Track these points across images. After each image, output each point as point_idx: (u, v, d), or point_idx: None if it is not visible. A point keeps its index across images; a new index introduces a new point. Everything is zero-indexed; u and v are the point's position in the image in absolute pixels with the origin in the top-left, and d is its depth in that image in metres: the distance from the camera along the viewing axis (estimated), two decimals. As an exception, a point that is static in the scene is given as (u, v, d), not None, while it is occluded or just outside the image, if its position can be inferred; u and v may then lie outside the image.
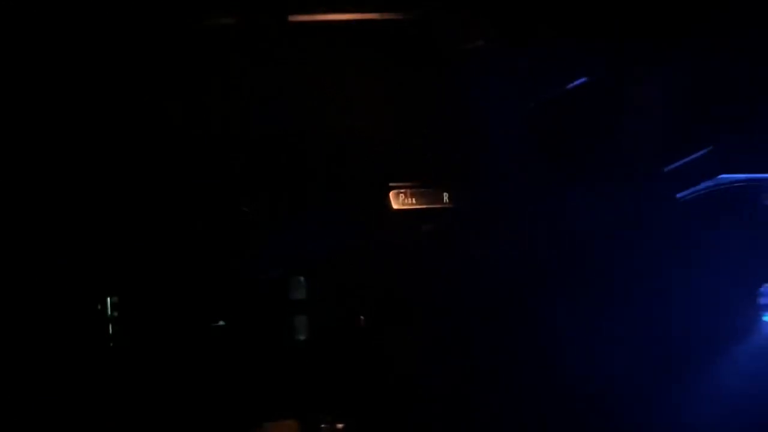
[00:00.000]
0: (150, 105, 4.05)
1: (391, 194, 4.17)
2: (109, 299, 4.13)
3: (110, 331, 4.14)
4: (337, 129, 4.12)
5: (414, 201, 4.16)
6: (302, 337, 4.14)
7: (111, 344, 4.14)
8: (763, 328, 4.10)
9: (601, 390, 3.97)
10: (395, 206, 4.15)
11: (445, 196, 4.16)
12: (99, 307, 4.14)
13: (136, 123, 4.07)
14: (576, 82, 4.09)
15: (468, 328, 3.99)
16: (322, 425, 3.99)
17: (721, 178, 4.07)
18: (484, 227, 4.08)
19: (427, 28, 4.07)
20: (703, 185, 4.06)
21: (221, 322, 4.11)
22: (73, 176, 4.01)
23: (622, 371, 3.97)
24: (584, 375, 3.95)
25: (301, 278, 4.15)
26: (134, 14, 3.93)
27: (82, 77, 3.98)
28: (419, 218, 4.15)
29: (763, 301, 4.13)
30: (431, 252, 4.10)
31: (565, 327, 4.00)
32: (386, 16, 4.06)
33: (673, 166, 4.04)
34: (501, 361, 3.97)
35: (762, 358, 4.05)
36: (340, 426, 4.00)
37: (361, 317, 4.10)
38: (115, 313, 4.15)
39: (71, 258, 3.99)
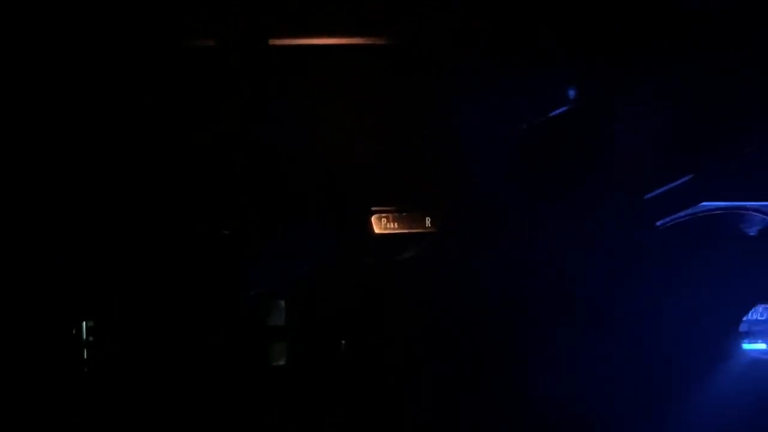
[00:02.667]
0: (116, 133, 4.04)
1: (373, 218, 4.16)
2: (84, 323, 4.08)
3: (85, 357, 4.08)
4: (318, 153, 4.12)
5: (396, 225, 4.15)
6: (281, 364, 4.09)
7: (86, 370, 4.08)
8: (743, 356, 4.12)
9: (579, 419, 3.96)
10: (377, 231, 4.14)
11: (428, 221, 4.15)
12: (74, 331, 4.08)
13: (105, 148, 4.05)
14: (557, 111, 4.11)
15: (454, 353, 3.98)
16: None
17: (703, 205, 4.10)
18: (468, 253, 4.08)
19: (411, 53, 4.09)
20: (684, 213, 4.09)
21: (201, 347, 4.07)
22: (51, 192, 3.97)
23: (600, 401, 3.97)
24: (563, 404, 3.94)
25: (282, 303, 4.12)
26: (112, 33, 3.93)
27: (51, 98, 3.96)
28: (402, 243, 4.14)
29: (743, 328, 4.16)
30: (414, 276, 4.09)
31: (544, 355, 4.00)
32: (371, 40, 4.08)
33: (654, 193, 4.07)
34: (485, 385, 3.96)
35: (742, 387, 4.06)
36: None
37: (342, 342, 4.07)
38: (91, 338, 4.09)
39: (47, 277, 3.95)
